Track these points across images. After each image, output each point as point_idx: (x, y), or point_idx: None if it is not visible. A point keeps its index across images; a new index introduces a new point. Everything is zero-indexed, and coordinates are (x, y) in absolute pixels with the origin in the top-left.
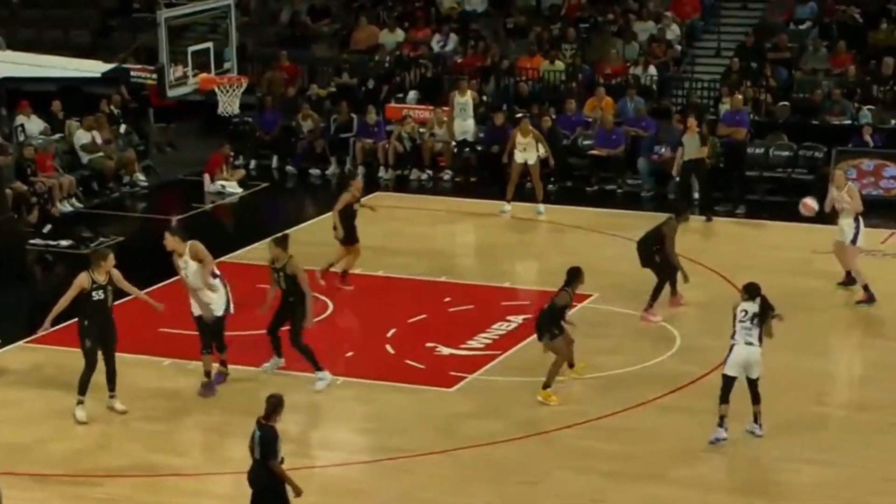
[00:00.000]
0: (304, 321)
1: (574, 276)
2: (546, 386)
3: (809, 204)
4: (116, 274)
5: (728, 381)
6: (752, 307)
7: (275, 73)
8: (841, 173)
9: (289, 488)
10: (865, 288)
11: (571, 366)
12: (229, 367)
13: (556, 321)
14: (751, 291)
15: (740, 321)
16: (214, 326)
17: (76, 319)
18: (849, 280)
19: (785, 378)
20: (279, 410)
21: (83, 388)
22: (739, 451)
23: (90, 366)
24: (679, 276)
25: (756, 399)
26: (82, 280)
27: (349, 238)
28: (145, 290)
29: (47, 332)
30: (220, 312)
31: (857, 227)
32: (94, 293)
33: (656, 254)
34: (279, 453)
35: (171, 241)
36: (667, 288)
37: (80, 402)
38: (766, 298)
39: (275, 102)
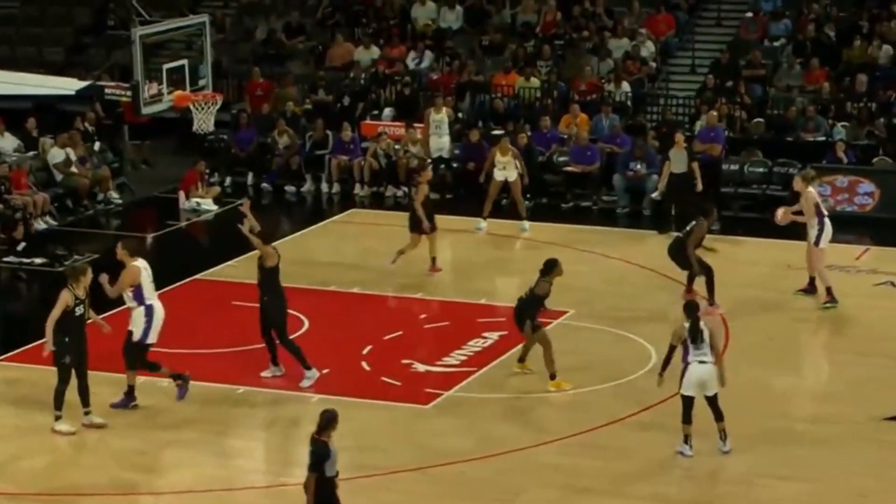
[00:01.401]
0: (283, 314)
1: (551, 266)
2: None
3: (780, 213)
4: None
5: (688, 402)
6: (694, 325)
7: (285, 90)
8: (798, 178)
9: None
10: (829, 290)
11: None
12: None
13: (536, 311)
14: (690, 310)
15: (689, 342)
16: (132, 347)
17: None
18: (811, 287)
19: (757, 393)
20: (333, 425)
21: (59, 403)
22: (711, 468)
23: (65, 381)
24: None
25: (718, 416)
26: (66, 297)
27: (420, 226)
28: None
29: (50, 352)
30: (135, 337)
31: (821, 229)
32: (76, 308)
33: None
34: (329, 469)
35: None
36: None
37: (58, 417)
38: (698, 319)
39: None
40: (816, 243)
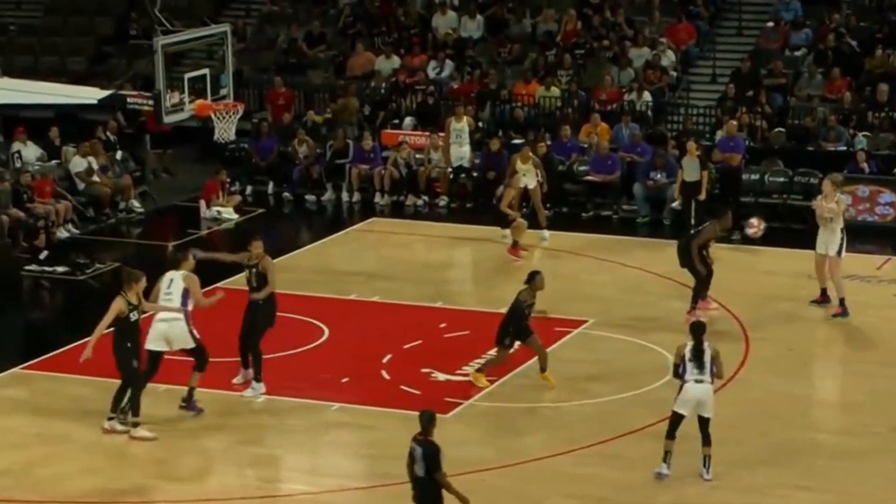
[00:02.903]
0: (270, 322)
1: (532, 276)
2: (542, 369)
3: (754, 223)
4: (141, 295)
5: (677, 419)
6: (694, 346)
7: (348, 100)
8: (828, 182)
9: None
10: (842, 301)
11: (543, 370)
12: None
13: (520, 319)
14: (695, 331)
15: (689, 360)
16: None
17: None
18: (823, 298)
19: (777, 404)
20: (434, 424)
21: (136, 409)
22: (731, 479)
23: (138, 385)
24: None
25: (706, 441)
26: (119, 304)
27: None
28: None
29: (88, 359)
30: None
31: (843, 239)
32: (130, 315)
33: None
34: (419, 469)
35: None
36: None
37: (136, 424)
38: (702, 340)
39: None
40: (839, 253)
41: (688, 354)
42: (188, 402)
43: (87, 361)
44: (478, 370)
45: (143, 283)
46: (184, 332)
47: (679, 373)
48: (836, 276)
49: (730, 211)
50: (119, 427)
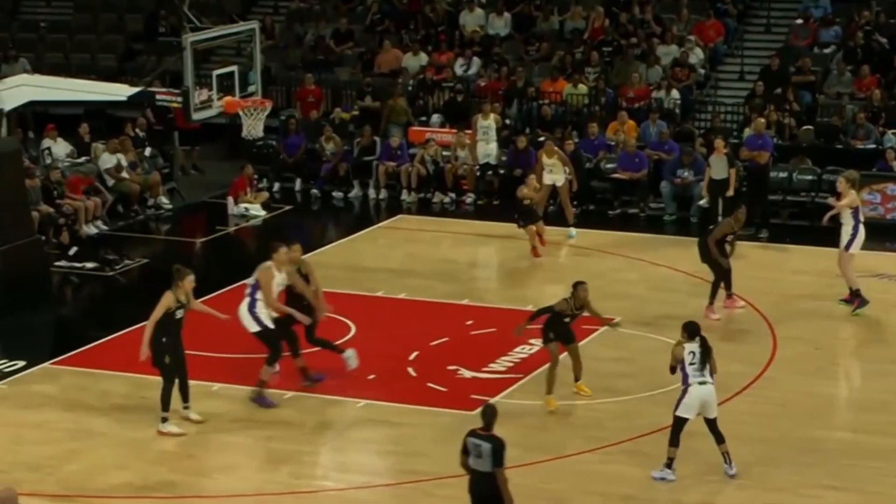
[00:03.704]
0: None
1: (574, 286)
2: (548, 392)
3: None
4: (191, 293)
5: (682, 424)
6: (696, 347)
7: (396, 101)
8: (842, 180)
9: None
10: (856, 293)
11: (577, 379)
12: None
13: (550, 327)
14: (691, 332)
15: (690, 363)
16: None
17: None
18: (851, 297)
19: (804, 403)
20: (496, 418)
21: (166, 404)
22: (756, 477)
23: (169, 381)
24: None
25: (721, 438)
26: (168, 300)
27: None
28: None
29: (147, 357)
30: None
31: (854, 234)
32: (177, 312)
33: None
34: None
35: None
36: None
37: (165, 419)
38: (704, 338)
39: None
40: (847, 248)
41: (688, 357)
42: (258, 397)
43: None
44: (547, 393)
45: (191, 279)
46: (244, 314)
47: (681, 376)
48: (843, 270)
49: (745, 206)
50: (194, 416)
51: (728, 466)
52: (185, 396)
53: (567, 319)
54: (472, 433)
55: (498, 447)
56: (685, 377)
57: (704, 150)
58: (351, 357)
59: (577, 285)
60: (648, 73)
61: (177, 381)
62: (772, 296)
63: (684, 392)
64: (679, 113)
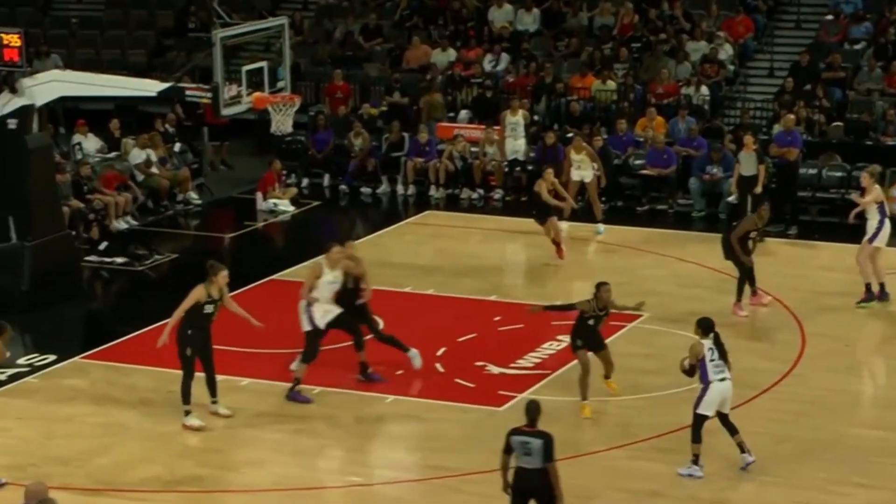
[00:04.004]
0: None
1: (597, 287)
2: (582, 398)
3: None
4: (226, 290)
5: (703, 421)
6: (711, 343)
7: (432, 96)
8: (866, 175)
9: None
10: (868, 287)
11: (607, 377)
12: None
13: (577, 333)
14: (705, 328)
15: (710, 360)
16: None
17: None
18: (880, 293)
19: (834, 400)
20: (541, 414)
21: (186, 397)
22: (784, 475)
23: (189, 374)
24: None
25: (734, 430)
26: (199, 293)
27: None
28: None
29: (164, 344)
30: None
31: (879, 228)
32: (206, 306)
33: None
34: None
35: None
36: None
37: (188, 412)
38: (718, 334)
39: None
40: (871, 240)
41: (708, 355)
42: (294, 394)
43: (149, 347)
44: (582, 400)
45: (225, 275)
46: (301, 311)
47: (699, 374)
48: (861, 262)
49: (769, 203)
50: (223, 410)
51: (747, 455)
52: (212, 391)
53: (591, 322)
54: (517, 431)
55: (549, 442)
56: (705, 375)
57: (733, 146)
58: (415, 356)
59: (600, 286)
60: (677, 70)
61: (204, 375)
62: (800, 293)
63: (705, 390)
64: (708, 109)
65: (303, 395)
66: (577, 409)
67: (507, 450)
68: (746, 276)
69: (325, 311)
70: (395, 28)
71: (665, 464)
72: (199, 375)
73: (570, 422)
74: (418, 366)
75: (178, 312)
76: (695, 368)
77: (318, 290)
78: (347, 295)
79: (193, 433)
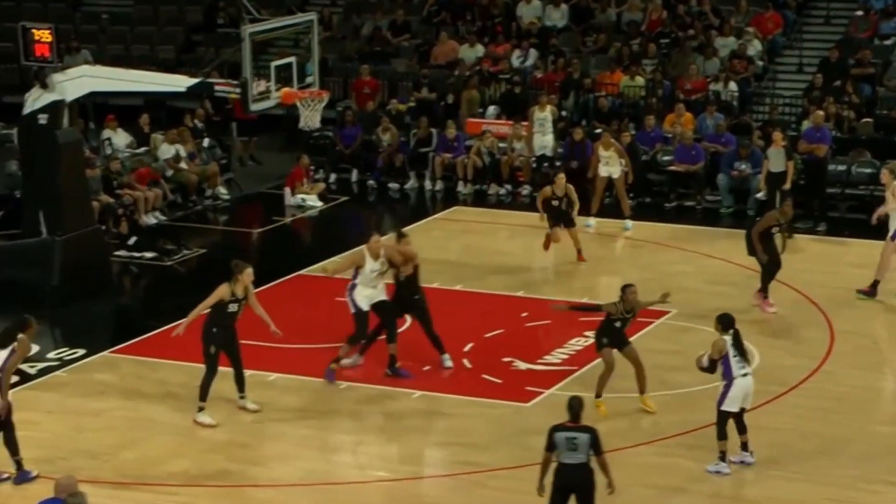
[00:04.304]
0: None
1: (623, 289)
2: (597, 395)
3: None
4: (251, 289)
5: (727, 417)
6: (731, 339)
7: (470, 93)
8: (886, 171)
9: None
10: (875, 284)
11: (642, 392)
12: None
13: (603, 332)
14: (726, 324)
15: (733, 356)
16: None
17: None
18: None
19: (863, 397)
20: (584, 409)
21: (204, 394)
22: (815, 472)
23: (211, 371)
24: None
25: (743, 429)
26: (223, 291)
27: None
28: None
29: (179, 335)
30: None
31: None
32: (230, 305)
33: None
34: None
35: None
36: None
37: (201, 409)
38: (738, 330)
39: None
40: (894, 237)
41: (731, 351)
42: (329, 373)
43: (178, 341)
44: (596, 397)
45: (250, 272)
46: (347, 295)
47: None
48: (884, 257)
49: (790, 199)
50: (251, 405)
51: (747, 455)
52: (240, 386)
53: (618, 324)
54: (561, 427)
55: (595, 435)
56: (728, 371)
57: (762, 142)
58: (447, 360)
59: (626, 288)
60: (706, 65)
61: (233, 371)
62: (829, 289)
63: (728, 386)
64: (736, 105)
65: (333, 374)
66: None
67: (550, 447)
68: (763, 272)
69: (367, 296)
70: (423, 24)
71: (692, 460)
72: (226, 371)
73: (597, 418)
74: (449, 366)
75: (200, 308)
76: (715, 365)
77: (361, 277)
78: (403, 287)
79: (222, 428)
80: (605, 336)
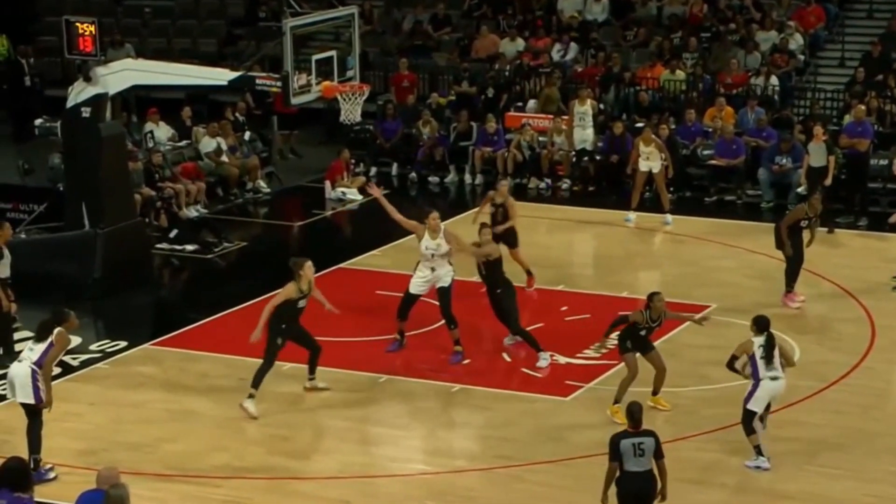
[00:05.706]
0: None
1: (650, 297)
2: (615, 401)
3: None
4: (313, 280)
5: (752, 416)
6: (763, 341)
7: (550, 91)
8: None
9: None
10: None
11: (656, 392)
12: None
13: (627, 336)
14: (761, 326)
15: (760, 357)
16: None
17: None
18: None
19: None
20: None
21: (257, 382)
22: (855, 467)
23: (269, 363)
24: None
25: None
26: (290, 290)
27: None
28: (268, 294)
29: (257, 340)
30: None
31: None
32: (299, 301)
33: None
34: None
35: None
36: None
37: (251, 396)
38: (772, 333)
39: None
40: None
41: (758, 352)
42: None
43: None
44: (614, 403)
45: (310, 265)
46: None
47: (748, 370)
48: None
49: (819, 194)
50: (321, 384)
51: (764, 459)
52: (312, 369)
53: (643, 332)
54: (625, 435)
55: (657, 439)
56: (756, 372)
57: (803, 137)
58: (545, 358)
59: (653, 296)
60: (747, 60)
61: (308, 354)
62: (870, 284)
63: (755, 386)
64: (778, 99)
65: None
66: (610, 410)
67: (615, 457)
68: (788, 266)
69: (422, 278)
70: (464, 18)
71: (733, 455)
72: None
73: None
74: (545, 365)
75: (269, 308)
76: (745, 365)
77: (420, 254)
78: (484, 279)
79: (262, 420)
80: (629, 340)
